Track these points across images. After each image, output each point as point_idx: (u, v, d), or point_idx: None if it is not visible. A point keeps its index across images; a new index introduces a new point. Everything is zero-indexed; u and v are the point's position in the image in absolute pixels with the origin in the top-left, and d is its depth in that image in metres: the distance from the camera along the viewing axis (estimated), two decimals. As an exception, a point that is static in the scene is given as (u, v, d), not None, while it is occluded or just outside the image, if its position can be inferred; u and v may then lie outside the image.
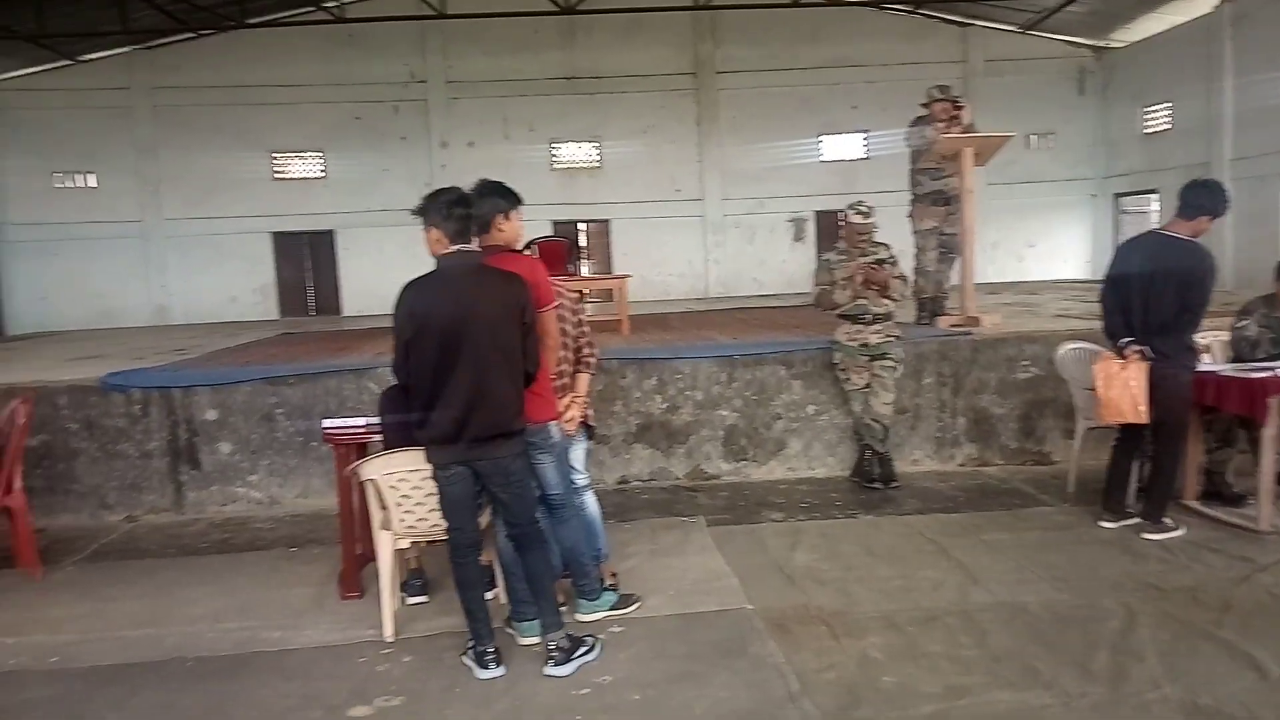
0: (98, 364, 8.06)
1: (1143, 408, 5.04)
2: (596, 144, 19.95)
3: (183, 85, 18.64)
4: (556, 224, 18.70)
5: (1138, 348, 5.09)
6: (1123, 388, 5.08)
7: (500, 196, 4.06)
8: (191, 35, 17.84)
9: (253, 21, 17.09)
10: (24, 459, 5.44)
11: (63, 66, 18.42)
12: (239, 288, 19.17)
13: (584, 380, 4.49)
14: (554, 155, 19.95)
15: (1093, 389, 5.30)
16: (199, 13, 16.49)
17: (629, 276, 10.05)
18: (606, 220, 19.99)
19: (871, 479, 6.57)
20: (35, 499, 5.73)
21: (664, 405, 6.99)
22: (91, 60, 18.55)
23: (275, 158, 19.46)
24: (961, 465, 7.12)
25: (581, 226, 19.86)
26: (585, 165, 20.07)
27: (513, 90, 19.35)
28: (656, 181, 19.78)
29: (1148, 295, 5.07)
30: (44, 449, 6.51)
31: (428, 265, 3.83)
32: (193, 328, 15.32)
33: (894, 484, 6.53)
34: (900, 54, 19.05)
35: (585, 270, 19.07)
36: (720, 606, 4.48)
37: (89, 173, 19.07)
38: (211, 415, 6.72)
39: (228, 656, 4.15)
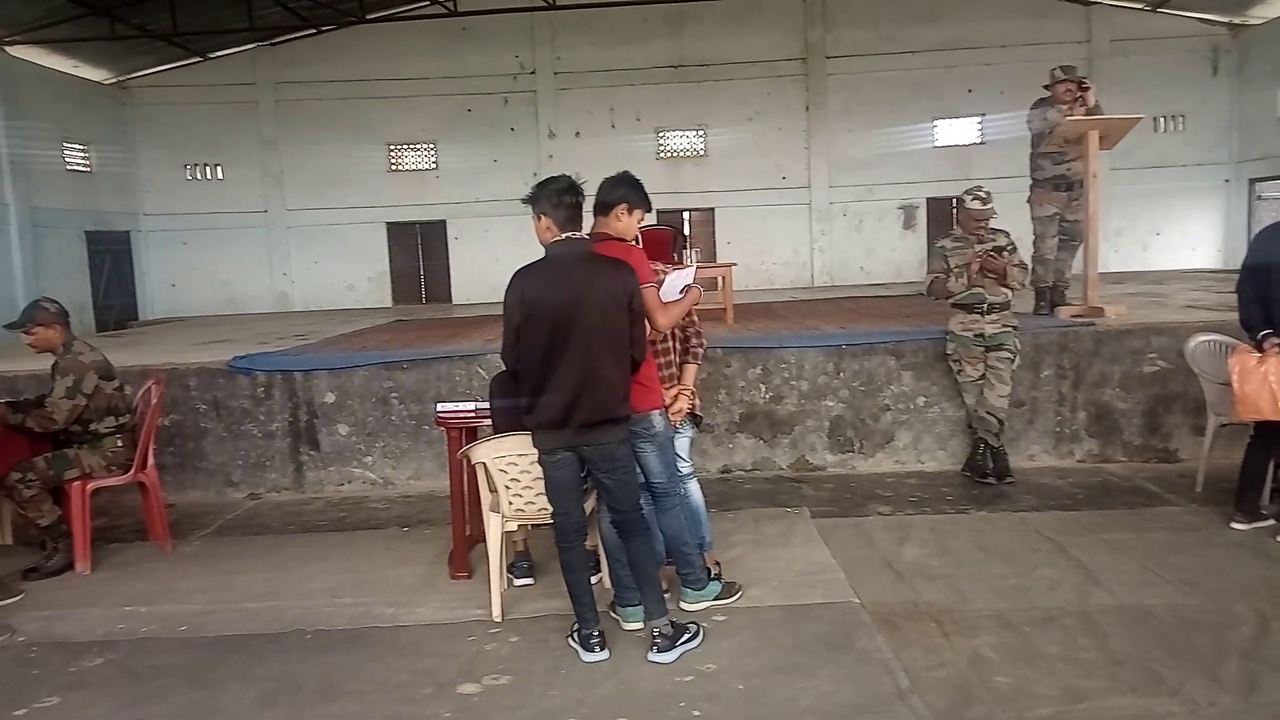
0: (224, 348, 8.46)
1: (1282, 404, 4.74)
2: (702, 132, 19.88)
3: (304, 80, 19.36)
4: (661, 213, 18.70)
5: (1278, 340, 4.79)
6: (1261, 382, 4.80)
7: (633, 190, 4.11)
8: (313, 31, 18.48)
9: (371, 17, 17.60)
10: (156, 437, 5.73)
11: (193, 64, 19.36)
12: (355, 276, 19.85)
13: (691, 371, 4.47)
14: (659, 144, 19.96)
15: (1227, 383, 5.02)
16: (321, 9, 17.07)
17: (734, 265, 9.98)
18: (711, 209, 19.91)
19: (985, 474, 6.37)
20: (166, 475, 6.06)
21: (768, 395, 6.92)
22: (219, 57, 19.43)
23: (391, 149, 20.04)
24: (1081, 461, 6.84)
25: (686, 215, 19.83)
26: (690, 154, 20.02)
27: (620, 80, 19.44)
28: (762, 169, 19.60)
29: (1290, 285, 4.77)
30: (175, 428, 6.86)
31: (535, 254, 3.88)
32: (311, 314, 15.95)
33: (1008, 479, 6.31)
34: (1020, 34, 18.38)
35: (690, 258, 19.01)
36: (826, 599, 4.41)
37: (217, 165, 20.01)
38: (330, 398, 6.97)
39: (344, 630, 4.30)
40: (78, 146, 18.25)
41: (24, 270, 16.00)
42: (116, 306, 18.64)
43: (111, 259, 18.84)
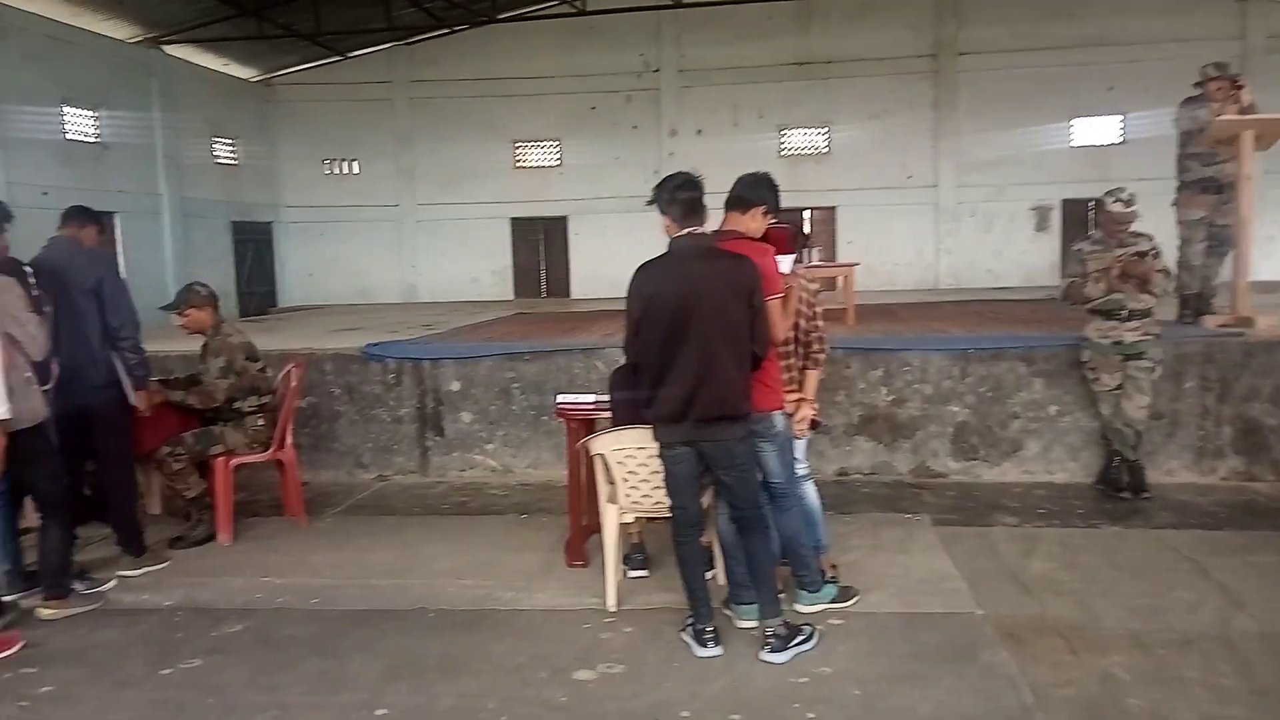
0: (357, 335, 8.81)
1: None
2: (825, 130, 19.62)
3: (436, 79, 19.98)
4: (781, 211, 18.50)
5: None
6: None
7: (774, 194, 4.14)
8: (447, 31, 19.04)
9: (503, 16, 18.02)
10: (294, 418, 6.01)
11: (333, 62, 20.21)
12: (479, 269, 20.39)
13: (812, 379, 4.42)
14: (782, 142, 19.79)
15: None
16: (455, 9, 17.58)
17: (856, 264, 9.82)
18: (833, 208, 19.63)
19: (1119, 488, 6.09)
20: (302, 455, 6.33)
21: (890, 398, 6.79)
22: (358, 56, 20.22)
23: (516, 147, 20.47)
24: (1224, 479, 6.47)
25: (806, 214, 19.60)
26: (812, 152, 19.78)
27: (743, 78, 19.36)
28: (886, 167, 19.21)
29: None
30: (311, 410, 7.18)
31: (653, 250, 3.91)
32: (437, 305, 16.46)
33: (1145, 494, 6.02)
34: (1167, 30, 17.47)
35: (812, 258, 18.80)
36: (946, 609, 4.30)
37: (353, 160, 20.85)
38: (455, 386, 7.18)
39: (465, 611, 4.43)
40: (225, 141, 19.30)
41: (174, 257, 17.03)
42: (258, 293, 19.65)
43: (254, 248, 19.87)
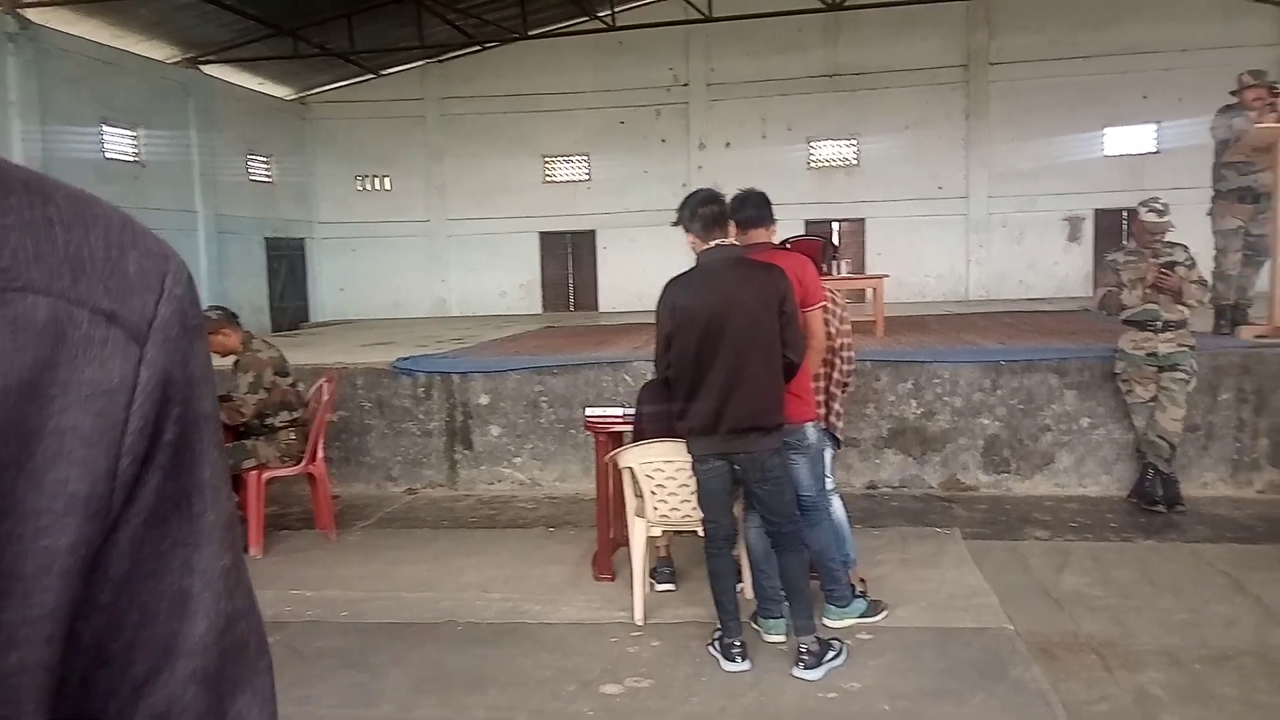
0: (388, 350, 8.90)
1: None
2: (854, 141, 19.56)
3: (468, 95, 20.17)
4: (809, 223, 18.51)
5: None
6: None
7: (767, 209, 4.21)
8: (478, 48, 19.24)
9: (533, 33, 18.17)
10: (326, 432, 6.07)
11: (365, 80, 20.47)
12: (508, 284, 20.50)
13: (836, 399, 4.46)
14: (810, 154, 19.76)
15: None
16: (486, 27, 17.75)
17: (885, 276, 9.77)
18: (862, 219, 19.55)
19: (1153, 501, 6.00)
20: (333, 468, 6.42)
21: (919, 410, 6.74)
22: (391, 74, 20.47)
23: (546, 161, 20.61)
24: (1261, 492, 6.36)
25: (835, 225, 19.54)
26: (841, 163, 19.73)
27: (772, 90, 19.36)
28: (916, 179, 19.10)
29: None
30: (342, 424, 7.26)
31: (681, 264, 3.94)
32: (466, 319, 16.58)
33: (1179, 508, 5.92)
34: (1203, 38, 17.25)
35: (841, 269, 18.73)
36: (978, 624, 4.26)
37: (385, 176, 21.08)
38: (484, 400, 7.23)
39: (493, 624, 4.45)
40: (260, 159, 19.59)
41: (209, 273, 17.28)
42: (291, 308, 19.89)
43: (288, 264, 20.13)
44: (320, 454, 5.89)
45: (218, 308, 5.78)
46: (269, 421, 5.64)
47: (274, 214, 19.80)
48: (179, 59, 16.84)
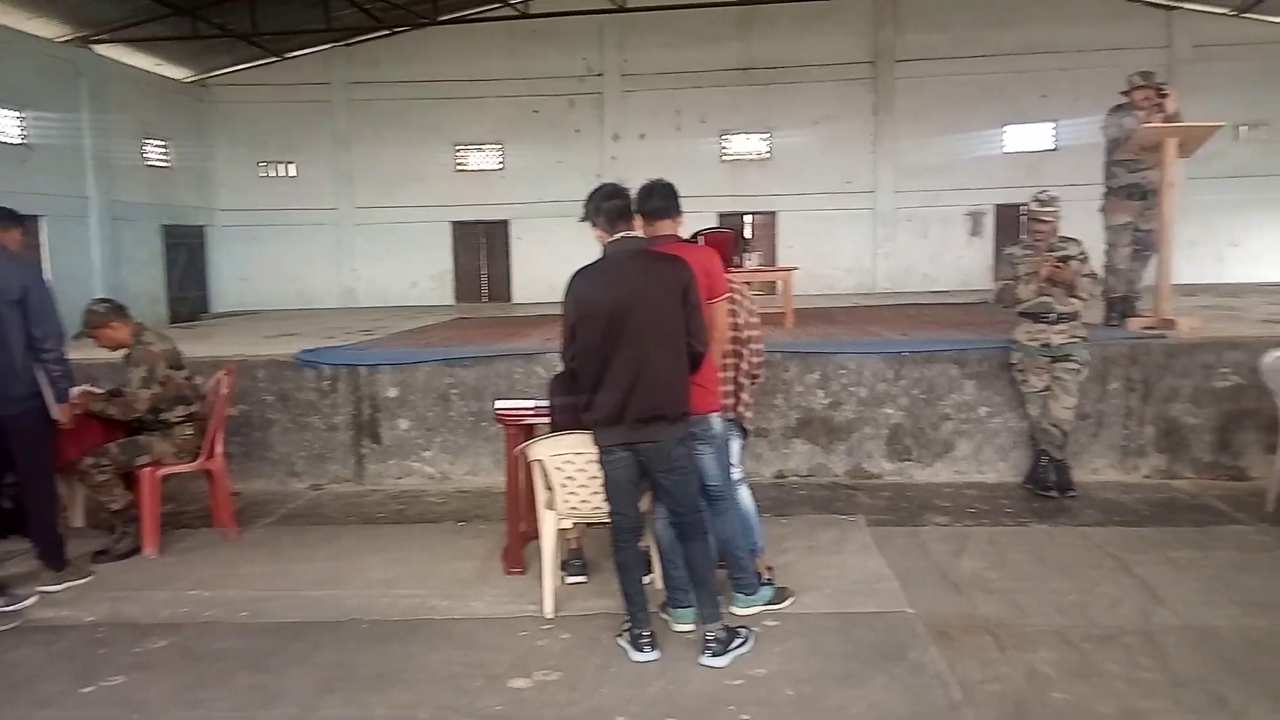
0: (292, 341, 8.67)
1: (1365, 424, 4.58)
2: (767, 135, 19.81)
3: (376, 80, 19.78)
4: (723, 215, 18.71)
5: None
6: (1341, 401, 4.63)
7: (674, 200, 4.18)
8: (387, 32, 18.85)
9: (444, 18, 17.88)
10: (225, 426, 5.88)
11: (270, 63, 19.88)
12: (419, 274, 20.20)
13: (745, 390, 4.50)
14: (723, 147, 19.93)
15: (1305, 401, 4.85)
16: (395, 10, 17.40)
17: (795, 269, 9.92)
18: (773, 212, 19.83)
19: (1046, 486, 6.23)
20: (233, 464, 6.21)
21: (826, 400, 6.87)
22: (296, 57, 19.92)
23: (458, 150, 20.33)
24: (1147, 477, 6.67)
25: (748, 218, 19.77)
26: (754, 157, 19.95)
27: (686, 82, 19.47)
28: (826, 173, 19.46)
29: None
30: (242, 418, 7.03)
31: (596, 254, 3.94)
32: (376, 310, 16.26)
33: (1071, 493, 6.17)
34: (1098, 39, 17.98)
35: (751, 262, 18.95)
36: (879, 608, 4.36)
37: (290, 163, 20.52)
38: (392, 393, 7.10)
39: (400, 621, 4.37)
40: (157, 143, 18.87)
41: (102, 262, 16.59)
42: (189, 299, 19.23)
43: (186, 252, 19.45)
44: (219, 449, 5.70)
45: (104, 300, 5.54)
46: (164, 416, 5.43)
47: (172, 200, 19.09)
48: (70, 38, 16.10)
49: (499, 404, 5.15)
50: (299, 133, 20.22)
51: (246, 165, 20.41)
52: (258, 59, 19.66)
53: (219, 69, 19.82)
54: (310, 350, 7.43)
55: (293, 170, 20.57)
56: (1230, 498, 6.11)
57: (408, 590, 4.76)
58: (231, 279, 20.48)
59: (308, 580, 4.97)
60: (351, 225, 20.40)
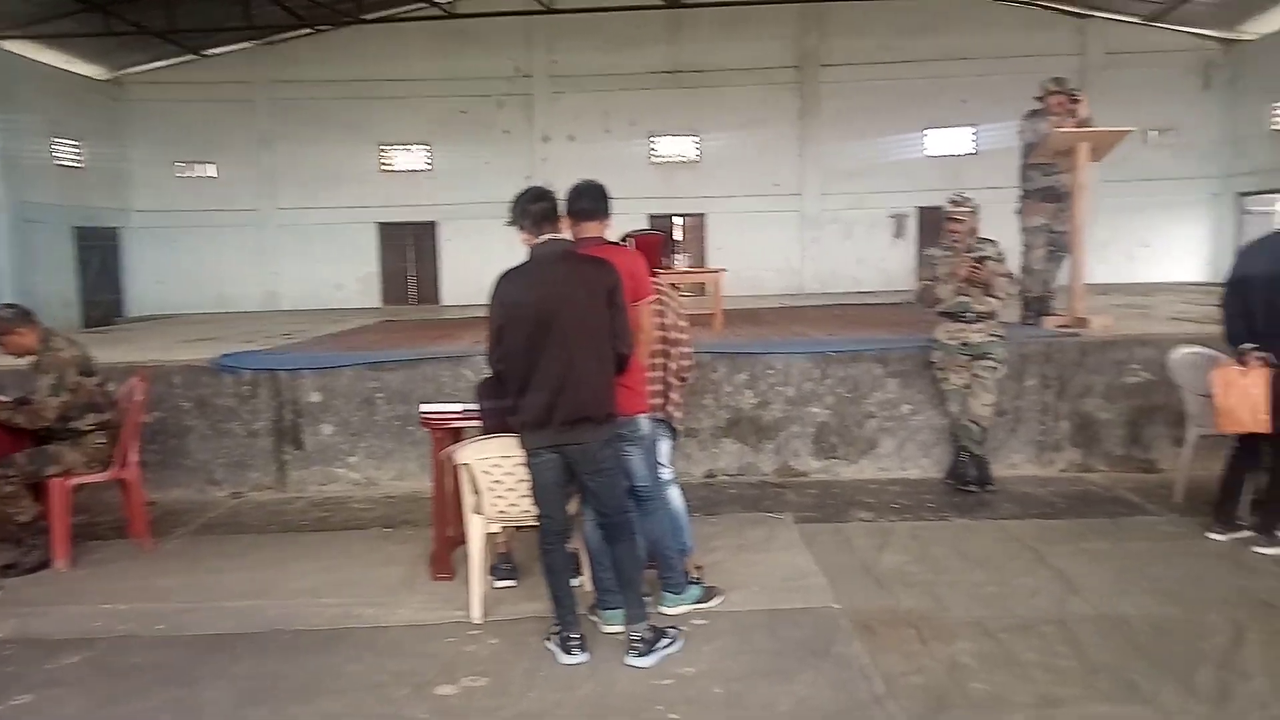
0: (211, 346, 8.44)
1: (1263, 416, 4.80)
2: (696, 138, 19.94)
3: (300, 79, 19.37)
4: (653, 217, 18.78)
5: (1260, 354, 4.83)
6: (1242, 395, 4.84)
7: (603, 202, 4.17)
8: (310, 31, 18.48)
9: (368, 18, 17.60)
10: (139, 434, 5.71)
11: (188, 61, 19.32)
12: (344, 276, 19.84)
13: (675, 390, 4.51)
14: (652, 149, 19.99)
15: (1208, 396, 5.05)
16: (318, 9, 17.07)
17: (723, 270, 10.00)
18: (702, 214, 19.97)
19: (966, 481, 6.39)
20: (148, 473, 6.02)
21: (754, 400, 6.94)
22: (216, 55, 19.40)
23: (383, 150, 20.03)
24: (1062, 471, 6.87)
25: (677, 220, 19.87)
26: (683, 159, 20.06)
27: (615, 85, 19.49)
28: (754, 176, 19.66)
29: (1272, 299, 4.81)
30: (158, 425, 6.82)
31: (525, 256, 3.91)
32: (299, 313, 15.91)
33: (990, 487, 6.34)
34: (1015, 46, 18.47)
35: (680, 264, 19.06)
36: (806, 604, 4.42)
37: (209, 163, 19.99)
38: (315, 398, 6.95)
39: (324, 631, 4.29)
40: (69, 142, 18.21)
41: (11, 265, 15.96)
42: (103, 302, 18.59)
43: (100, 255, 18.81)
44: (132, 458, 5.53)
45: (10, 305, 5.33)
46: (74, 425, 5.24)
47: (84, 201, 18.44)
48: (-28, 33, 15.45)
49: (424, 407, 5.09)
50: (219, 132, 19.70)
51: (164, 165, 19.82)
52: (175, 56, 19.10)
53: (135, 66, 19.21)
54: (230, 355, 7.24)
55: (212, 170, 20.04)
56: (1141, 489, 6.33)
57: (332, 599, 4.66)
58: (148, 282, 19.86)
59: (227, 591, 4.84)
60: (274, 226, 19.95)
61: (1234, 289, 5.04)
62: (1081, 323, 7.20)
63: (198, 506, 6.67)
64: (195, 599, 4.74)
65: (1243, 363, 4.89)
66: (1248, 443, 5.07)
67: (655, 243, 10.92)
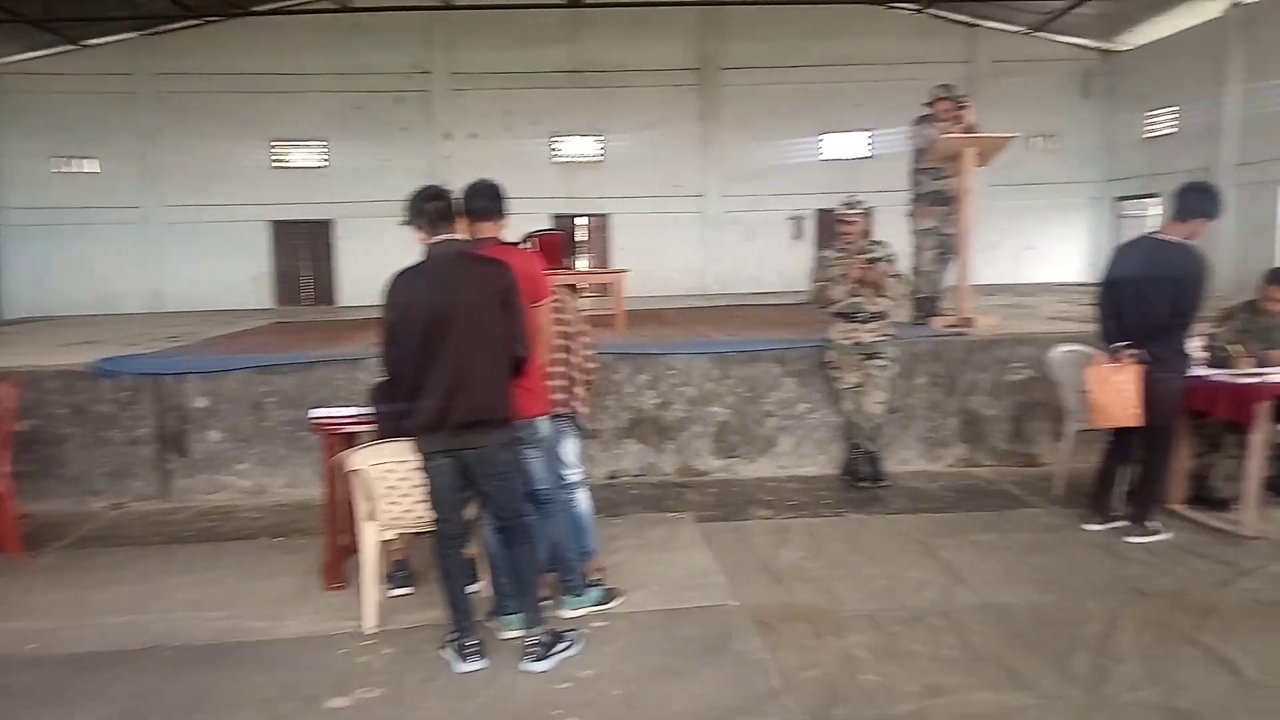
0: (91, 349, 8.04)
1: (1134, 411, 5.04)
2: (598, 138, 19.93)
3: (186, 72, 18.62)
4: (556, 217, 18.70)
5: (1132, 352, 5.07)
6: (1115, 391, 5.07)
7: (499, 202, 4.12)
8: (197, 22, 17.81)
9: (258, 9, 17.05)
10: (11, 444, 5.41)
11: (66, 51, 18.40)
12: (234, 276, 19.16)
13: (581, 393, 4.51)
14: (555, 149, 19.91)
15: (1084, 392, 5.28)
16: (205, -1, 16.48)
17: (626, 271, 10.02)
18: (605, 215, 19.97)
19: (860, 478, 6.55)
20: (22, 484, 5.70)
21: (656, 400, 6.97)
22: (96, 45, 18.52)
23: (275, 147, 19.44)
24: (951, 466, 7.11)
25: (581, 220, 19.84)
26: (586, 159, 20.03)
27: (516, 83, 19.32)
28: (657, 177, 19.76)
29: (1141, 299, 5.06)
30: (32, 434, 6.47)
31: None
32: (187, 315, 15.31)
33: (883, 483, 6.51)
34: (906, 53, 19.00)
35: (583, 264, 19.05)
36: (705, 603, 4.46)
37: (89, 158, 19.07)
38: (201, 403, 6.70)
39: (209, 646, 4.14)
40: (-67, 134, 17.15)
41: None
42: (-25, 305, 17.58)
43: (-31, 254, 17.76)
44: (4, 469, 5.24)
45: None
46: (-65, 435, 4.94)
47: (-49, 198, 17.38)
48: None
49: (314, 412, 4.95)
50: (100, 126, 18.81)
51: (40, 160, 18.82)
52: (52, 46, 18.16)
53: (8, 56, 18.19)
54: (110, 359, 6.91)
55: (93, 166, 19.11)
56: (1024, 483, 6.58)
57: (217, 612, 4.50)
58: (25, 282, 18.83)
59: (106, 607, 4.63)
60: (160, 224, 19.14)
61: (1107, 290, 5.29)
62: (968, 322, 7.45)
63: (76, 518, 6.35)
64: (71, 616, 4.52)
65: (1115, 360, 5.13)
66: (1121, 437, 5.32)
67: (557, 243, 10.90)
